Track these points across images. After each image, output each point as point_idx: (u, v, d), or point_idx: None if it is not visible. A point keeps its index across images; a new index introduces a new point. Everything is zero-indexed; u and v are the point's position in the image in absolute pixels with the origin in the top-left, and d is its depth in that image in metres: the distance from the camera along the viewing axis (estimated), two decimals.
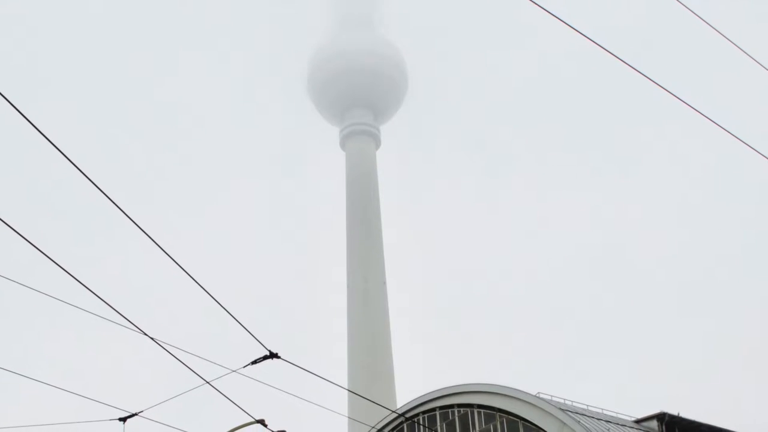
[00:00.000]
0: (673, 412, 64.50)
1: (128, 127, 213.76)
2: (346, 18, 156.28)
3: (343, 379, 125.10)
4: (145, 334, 26.65)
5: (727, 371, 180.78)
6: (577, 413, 61.64)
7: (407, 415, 70.15)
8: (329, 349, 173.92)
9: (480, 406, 66.59)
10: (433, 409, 69.73)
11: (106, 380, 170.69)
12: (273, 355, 26.94)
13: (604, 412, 65.83)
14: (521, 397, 63.24)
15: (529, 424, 62.52)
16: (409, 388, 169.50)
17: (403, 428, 72.48)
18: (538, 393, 63.17)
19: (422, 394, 70.50)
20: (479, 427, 66.35)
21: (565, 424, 59.76)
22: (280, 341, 29.90)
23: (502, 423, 64.72)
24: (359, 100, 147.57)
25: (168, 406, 35.76)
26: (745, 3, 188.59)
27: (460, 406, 68.16)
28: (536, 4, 23.39)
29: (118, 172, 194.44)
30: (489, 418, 65.80)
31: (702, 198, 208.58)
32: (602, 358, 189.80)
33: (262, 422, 29.33)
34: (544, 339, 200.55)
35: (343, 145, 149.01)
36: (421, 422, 70.12)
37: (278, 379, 32.32)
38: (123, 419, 31.44)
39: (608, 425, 61.93)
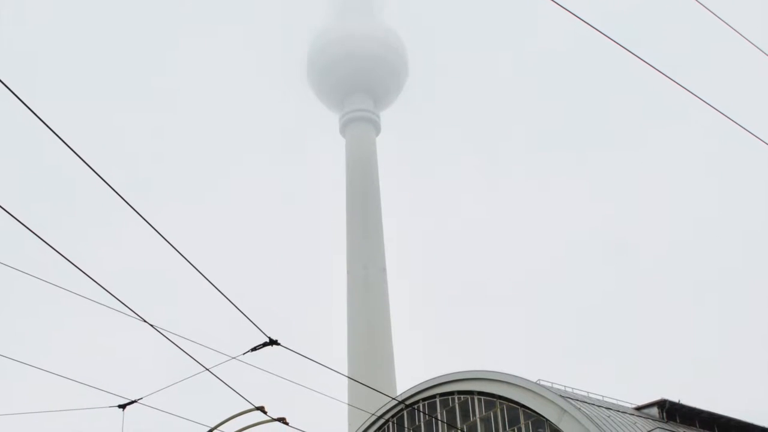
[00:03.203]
0: (674, 399, 64.56)
1: (127, 114, 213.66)
2: (347, 4, 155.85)
3: (344, 367, 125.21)
4: (145, 321, 26.52)
5: (729, 359, 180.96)
6: (577, 400, 61.62)
7: (407, 402, 70.15)
8: (329, 336, 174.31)
9: (480, 393, 66.57)
10: (434, 396, 69.74)
11: (106, 367, 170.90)
12: (273, 342, 26.80)
13: (605, 399, 65.84)
14: (521, 384, 63.21)
15: (529, 411, 62.50)
16: (410, 375, 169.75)
17: (403, 415, 72.48)
18: (539, 380, 63.15)
19: (422, 381, 70.54)
20: (479, 414, 66.34)
21: (565, 411, 59.73)
22: (280, 328, 29.80)
23: (502, 410, 64.70)
24: (359, 86, 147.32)
25: (167, 393, 35.67)
26: None
27: (460, 393, 68.16)
28: None
29: (118, 160, 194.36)
30: (489, 405, 65.79)
31: (705, 186, 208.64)
32: (603, 345, 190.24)
33: (261, 409, 29.19)
34: (545, 326, 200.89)
35: (343, 132, 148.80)
36: (421, 409, 70.12)
37: (278, 366, 32.22)
38: (123, 406, 31.36)
39: (609, 412, 61.90)
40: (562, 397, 60.95)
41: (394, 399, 71.23)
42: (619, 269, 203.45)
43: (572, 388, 65.03)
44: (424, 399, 70.27)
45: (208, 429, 30.68)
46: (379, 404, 75.59)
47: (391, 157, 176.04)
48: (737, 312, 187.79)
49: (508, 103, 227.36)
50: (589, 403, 62.45)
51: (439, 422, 68.89)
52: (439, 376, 69.50)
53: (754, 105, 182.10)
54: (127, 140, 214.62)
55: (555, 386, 63.69)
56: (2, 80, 17.27)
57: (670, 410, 64.13)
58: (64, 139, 19.59)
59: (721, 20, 30.84)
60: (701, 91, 28.47)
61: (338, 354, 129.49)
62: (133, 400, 31.35)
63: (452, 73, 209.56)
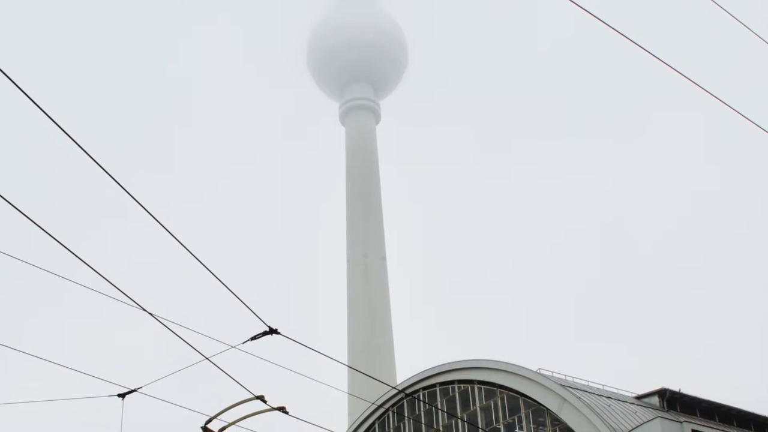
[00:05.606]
0: (675, 388, 64.50)
1: (128, 108, 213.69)
2: None
3: (343, 356, 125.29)
4: (144, 310, 26.43)
5: (730, 348, 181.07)
6: (577, 389, 61.59)
7: (407, 392, 70.15)
8: (329, 325, 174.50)
9: (480, 382, 66.56)
10: (434, 385, 69.73)
11: (106, 356, 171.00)
12: (273, 331, 26.71)
13: (605, 388, 65.81)
14: (522, 373, 63.20)
15: (529, 400, 62.51)
16: (409, 364, 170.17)
17: (403, 404, 72.49)
18: (539, 369, 63.11)
19: (422, 370, 70.54)
20: (479, 403, 66.33)
21: (565, 400, 59.71)
22: (279, 317, 29.69)
23: (502, 399, 64.70)
24: (359, 74, 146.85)
25: (167, 382, 35.62)
26: None
27: (460, 382, 68.15)
28: None
29: (121, 154, 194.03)
30: (489, 394, 65.78)
31: (704, 173, 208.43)
32: (604, 334, 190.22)
33: (261, 398, 29.09)
34: (546, 315, 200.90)
35: (343, 120, 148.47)
36: (421, 398, 70.12)
37: (278, 355, 32.13)
38: (122, 395, 31.29)
39: (609, 401, 61.89)
40: (563, 386, 60.93)
41: (394, 388, 71.17)
42: (619, 257, 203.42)
43: (572, 377, 65.03)
44: (424, 388, 70.28)
45: (208, 418, 30.60)
46: (379, 393, 75.59)
47: (391, 145, 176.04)
48: (738, 300, 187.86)
49: (508, 90, 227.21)
50: (589, 392, 62.43)
51: (439, 411, 68.90)
52: (439, 365, 69.48)
53: (752, 92, 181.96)
54: (125, 131, 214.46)
55: (555, 375, 63.67)
56: (10, 77, 17.18)
57: (670, 399, 64.06)
58: (71, 136, 19.48)
59: (716, 4, 30.68)
60: (700, 79, 28.33)
61: (338, 343, 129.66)
62: (133, 389, 31.29)
63: (452, 60, 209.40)
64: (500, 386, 64.81)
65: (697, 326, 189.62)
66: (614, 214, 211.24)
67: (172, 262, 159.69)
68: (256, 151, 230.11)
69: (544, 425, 61.83)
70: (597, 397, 62.13)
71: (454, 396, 68.50)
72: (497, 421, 64.81)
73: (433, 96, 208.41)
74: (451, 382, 68.73)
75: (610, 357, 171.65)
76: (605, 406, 60.29)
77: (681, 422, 58.18)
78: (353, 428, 76.30)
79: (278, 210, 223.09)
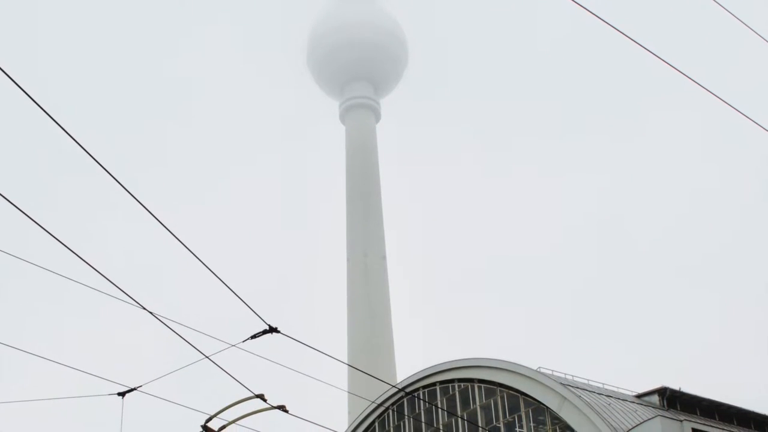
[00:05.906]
0: (675, 386, 64.51)
1: (128, 107, 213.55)
2: None
3: (344, 354, 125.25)
4: (144, 309, 26.41)
5: (729, 346, 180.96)
6: (577, 388, 61.60)
7: (407, 390, 70.13)
8: (329, 323, 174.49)
9: (480, 381, 66.56)
10: (434, 384, 69.72)
11: (106, 355, 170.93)
12: (273, 330, 26.70)
13: (605, 386, 65.81)
14: (522, 372, 63.20)
15: (529, 399, 62.51)
16: (410, 363, 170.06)
17: (403, 403, 72.47)
18: (539, 368, 63.13)
19: (423, 368, 70.51)
20: (480, 402, 66.34)
21: (565, 398, 59.72)
22: (280, 316, 29.68)
23: (502, 398, 64.70)
24: (359, 73, 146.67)
25: (167, 380, 35.61)
26: None
27: (460, 380, 68.15)
28: None
29: (120, 153, 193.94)
30: (489, 393, 65.79)
31: (701, 173, 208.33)
32: (603, 333, 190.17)
33: (261, 397, 29.07)
34: (545, 313, 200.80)
35: (343, 119, 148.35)
36: (421, 397, 70.12)
37: (278, 353, 32.12)
38: (122, 394, 31.28)
39: (609, 400, 61.89)
40: (563, 384, 60.94)
41: (394, 387, 71.27)
42: (618, 255, 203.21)
43: (572, 376, 65.04)
44: (424, 387, 70.26)
45: (208, 416, 30.61)
46: (379, 392, 75.58)
47: (391, 144, 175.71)
48: (737, 298, 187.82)
49: (507, 89, 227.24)
50: (589, 391, 62.42)
51: (440, 410, 68.90)
52: (439, 364, 69.47)
53: (751, 90, 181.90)
54: (125, 130, 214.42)
55: (555, 374, 63.66)
56: (11, 76, 17.20)
57: (670, 398, 64.08)
58: (71, 134, 19.48)
59: (719, 5, 30.67)
60: (699, 77, 28.34)
61: (338, 342, 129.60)
62: (133, 387, 31.27)
63: (452, 60, 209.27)
64: (500, 385, 64.81)
65: (696, 324, 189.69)
66: (613, 212, 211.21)
67: (172, 261, 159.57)
68: (256, 151, 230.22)
69: (544, 424, 61.85)
70: (597, 395, 62.13)
71: (454, 395, 68.50)
72: (497, 419, 64.82)
73: (433, 95, 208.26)
74: (451, 381, 68.73)
75: (609, 355, 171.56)
76: (605, 404, 60.29)
77: (681, 421, 58.19)
78: (353, 427, 76.31)
79: (278, 210, 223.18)
